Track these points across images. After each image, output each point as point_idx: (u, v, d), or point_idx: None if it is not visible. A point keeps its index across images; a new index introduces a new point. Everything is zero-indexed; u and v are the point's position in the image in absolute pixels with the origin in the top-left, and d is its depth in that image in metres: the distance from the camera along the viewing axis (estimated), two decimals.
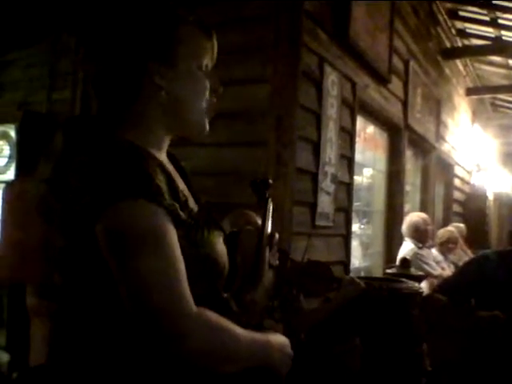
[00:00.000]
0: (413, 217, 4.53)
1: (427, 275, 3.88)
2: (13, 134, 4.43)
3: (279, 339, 1.05)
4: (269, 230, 1.19)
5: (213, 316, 0.91)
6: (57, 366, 0.97)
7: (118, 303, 0.87)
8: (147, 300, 0.84)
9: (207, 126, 1.09)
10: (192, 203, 1.04)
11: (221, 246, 1.02)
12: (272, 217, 1.22)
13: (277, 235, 1.21)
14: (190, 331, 0.86)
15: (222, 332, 0.91)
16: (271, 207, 1.23)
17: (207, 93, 1.06)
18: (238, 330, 0.94)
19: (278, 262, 1.23)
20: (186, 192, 1.05)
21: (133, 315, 0.85)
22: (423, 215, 4.60)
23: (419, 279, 3.38)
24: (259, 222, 1.68)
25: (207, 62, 1.06)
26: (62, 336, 0.99)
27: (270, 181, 1.26)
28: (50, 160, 1.02)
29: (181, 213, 0.91)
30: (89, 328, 0.94)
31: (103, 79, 1.00)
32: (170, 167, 1.06)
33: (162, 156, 1.05)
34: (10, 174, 4.28)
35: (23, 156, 3.66)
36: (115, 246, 0.86)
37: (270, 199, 1.24)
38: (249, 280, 1.10)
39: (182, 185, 1.05)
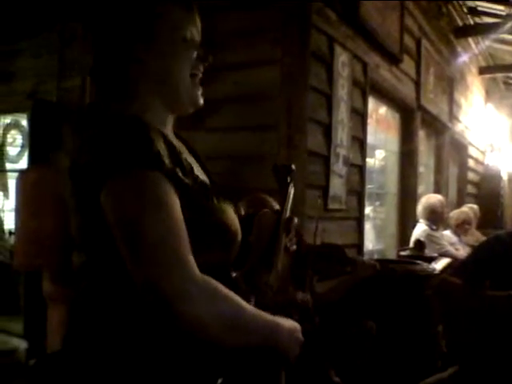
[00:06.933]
0: (430, 198, 4.50)
1: (444, 256, 3.86)
2: (24, 123, 4.46)
3: (289, 323, 1.04)
4: (287, 213, 1.18)
5: (216, 284, 0.90)
6: (72, 350, 0.97)
7: (128, 280, 0.88)
8: (148, 264, 0.85)
9: (199, 98, 1.09)
10: (203, 176, 1.05)
11: (232, 214, 1.03)
12: (292, 202, 1.21)
13: (296, 219, 1.20)
14: (191, 295, 0.86)
15: (225, 300, 0.91)
16: (292, 192, 1.23)
17: (192, 62, 1.06)
18: (244, 303, 0.94)
19: (295, 247, 1.21)
20: (196, 166, 1.06)
21: (135, 279, 0.86)
22: (440, 197, 4.57)
23: (432, 260, 3.37)
24: (276, 206, 1.66)
25: (191, 33, 1.06)
26: (77, 321, 0.99)
27: (293, 166, 1.27)
28: (61, 148, 1.04)
29: (183, 177, 0.93)
30: (104, 312, 0.94)
31: (100, 65, 1.05)
32: (177, 143, 1.07)
33: (166, 129, 1.06)
34: (23, 163, 4.32)
35: (35, 145, 3.69)
36: (117, 213, 0.88)
37: (291, 184, 1.24)
38: (263, 263, 1.10)
39: (189, 158, 1.06)
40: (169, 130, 1.08)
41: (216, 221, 0.98)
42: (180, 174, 0.93)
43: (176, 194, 0.91)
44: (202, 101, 1.09)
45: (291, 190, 1.23)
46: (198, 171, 1.05)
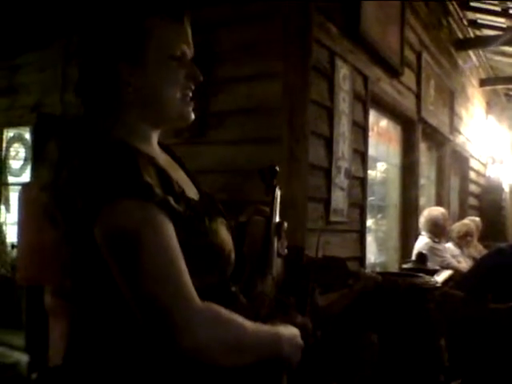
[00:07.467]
0: (432, 211, 4.50)
1: (446, 268, 3.85)
2: (28, 136, 4.48)
3: (289, 330, 1.05)
4: (277, 218, 1.18)
5: (218, 309, 0.91)
6: (72, 365, 0.97)
7: (126, 303, 0.88)
8: (150, 298, 0.85)
9: (190, 114, 1.06)
10: (193, 193, 1.05)
11: (224, 233, 1.03)
12: (280, 205, 1.20)
13: (285, 224, 1.19)
14: (194, 325, 0.86)
15: (227, 325, 0.91)
16: (279, 195, 1.22)
17: (182, 82, 1.03)
18: (245, 323, 0.94)
19: (286, 251, 1.20)
20: (185, 181, 1.06)
21: (137, 313, 0.86)
22: (443, 210, 4.57)
23: (435, 273, 3.36)
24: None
25: (183, 47, 1.02)
26: (76, 336, 0.99)
27: (277, 168, 1.24)
28: (44, 165, 1.01)
29: (175, 205, 0.91)
30: (101, 329, 0.95)
31: (85, 83, 1.03)
32: (165, 159, 1.06)
33: (153, 149, 1.05)
34: (26, 177, 4.33)
35: (38, 158, 3.70)
36: (112, 248, 0.87)
37: (277, 187, 1.23)
38: (257, 270, 1.10)
39: (178, 174, 1.06)
40: (155, 148, 1.06)
41: (209, 244, 0.97)
42: (172, 202, 0.91)
43: (170, 222, 0.90)
44: (193, 116, 1.06)
45: (278, 193, 1.22)
46: (188, 187, 1.04)
